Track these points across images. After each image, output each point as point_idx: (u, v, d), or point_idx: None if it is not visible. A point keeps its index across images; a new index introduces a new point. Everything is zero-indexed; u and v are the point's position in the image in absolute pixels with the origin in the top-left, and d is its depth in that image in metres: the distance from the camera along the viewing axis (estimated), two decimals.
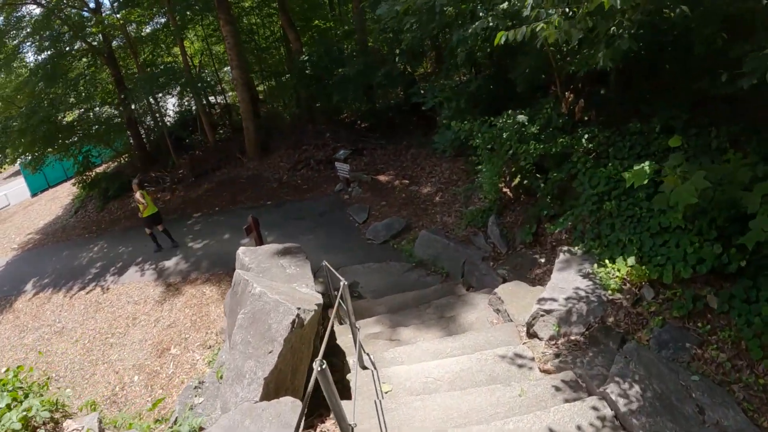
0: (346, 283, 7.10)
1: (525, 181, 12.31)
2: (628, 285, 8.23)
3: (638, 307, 7.82)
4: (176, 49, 28.21)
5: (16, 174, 39.65)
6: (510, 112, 11.90)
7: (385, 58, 20.54)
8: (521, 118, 11.77)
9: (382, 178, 17.62)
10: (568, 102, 12.24)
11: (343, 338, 8.96)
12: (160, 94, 27.37)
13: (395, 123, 21.97)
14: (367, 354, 8.21)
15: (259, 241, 12.87)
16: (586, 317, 7.91)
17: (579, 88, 12.98)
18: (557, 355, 7.62)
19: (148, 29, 27.76)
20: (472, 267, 12.02)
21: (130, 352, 12.82)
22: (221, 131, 28.64)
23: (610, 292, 8.15)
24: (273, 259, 10.58)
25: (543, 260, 11.33)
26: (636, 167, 7.98)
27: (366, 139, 20.55)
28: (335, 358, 8.75)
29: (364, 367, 7.83)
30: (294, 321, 6.19)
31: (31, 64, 26.03)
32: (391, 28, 16.50)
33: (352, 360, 7.69)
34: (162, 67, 25.42)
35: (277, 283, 8.26)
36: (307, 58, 21.28)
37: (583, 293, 8.35)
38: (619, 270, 8.37)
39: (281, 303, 6.40)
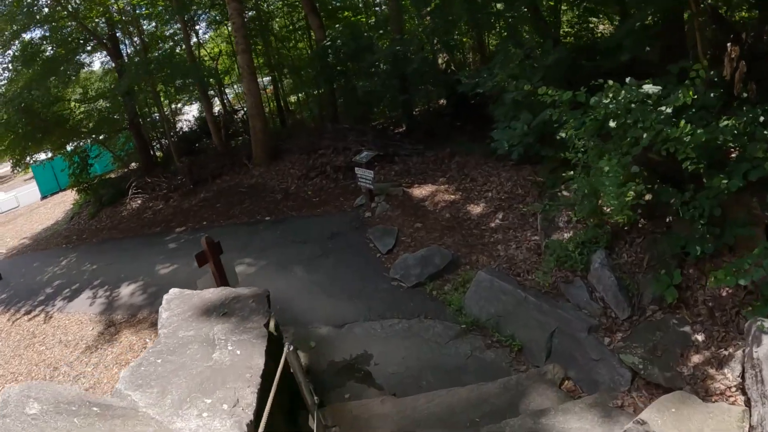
0: None
1: (647, 196, 6.73)
2: None
3: None
4: (200, 51, 23.38)
5: None
6: (629, 80, 6.75)
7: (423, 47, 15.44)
8: (650, 89, 6.61)
9: (417, 191, 12.15)
10: (732, 62, 6.79)
11: None
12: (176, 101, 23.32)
13: (435, 129, 16.72)
14: None
15: (220, 279, 7.49)
16: None
17: (740, 40, 7.52)
18: None
19: (170, 30, 22.86)
20: (569, 342, 6.48)
21: None
22: (240, 138, 23.51)
23: None
24: (206, 320, 5.32)
25: (700, 337, 6.08)
26: None
27: (399, 144, 15.10)
28: None
29: None
30: None
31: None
32: None
33: None
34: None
35: None
36: (329, 43, 15.96)
37: None
38: None
39: None
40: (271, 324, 6.82)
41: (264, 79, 27.75)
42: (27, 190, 33.02)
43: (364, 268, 9.45)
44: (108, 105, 21.12)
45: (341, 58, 16.03)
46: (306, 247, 10.81)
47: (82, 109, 21.20)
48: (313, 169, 14.53)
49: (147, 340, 9.13)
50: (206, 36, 26.91)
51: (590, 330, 6.43)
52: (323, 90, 18.05)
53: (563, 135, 7.60)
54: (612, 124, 6.78)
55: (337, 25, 19.39)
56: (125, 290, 11.61)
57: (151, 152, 23.19)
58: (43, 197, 30.10)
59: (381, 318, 7.80)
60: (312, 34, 19.66)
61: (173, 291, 6.46)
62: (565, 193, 8.98)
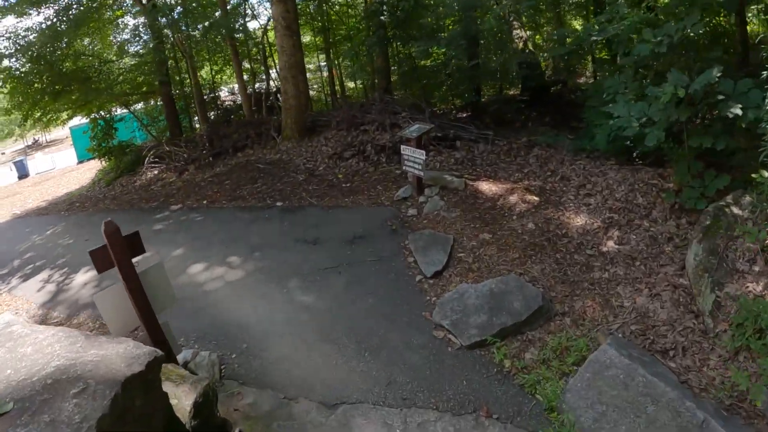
0: None
1: None
2: None
3: None
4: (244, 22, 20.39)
5: None
6: None
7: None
8: None
9: (485, 186, 8.53)
10: None
11: None
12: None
13: (506, 116, 13.29)
14: None
15: (134, 296, 4.04)
16: None
17: None
18: None
19: None
20: None
21: None
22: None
23: None
24: None
25: None
26: None
27: (463, 127, 11.41)
28: None
29: None
30: None
31: None
32: None
33: None
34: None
35: None
36: None
37: None
38: None
39: None
40: (189, 399, 3.40)
41: (321, 63, 24.62)
42: (67, 154, 31.32)
43: (392, 299, 5.80)
44: (135, 62, 18.39)
45: (398, 18, 12.46)
46: (315, 251, 7.26)
47: (108, 67, 18.47)
48: (350, 147, 10.99)
49: None
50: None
51: None
52: (375, 57, 14.42)
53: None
54: None
55: None
56: (80, 278, 8.52)
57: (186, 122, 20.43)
58: (80, 162, 28.00)
59: (406, 403, 4.17)
60: None
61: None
62: (735, 209, 5.19)
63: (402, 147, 8.47)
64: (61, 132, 39.19)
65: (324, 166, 10.90)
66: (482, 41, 12.99)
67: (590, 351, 4.34)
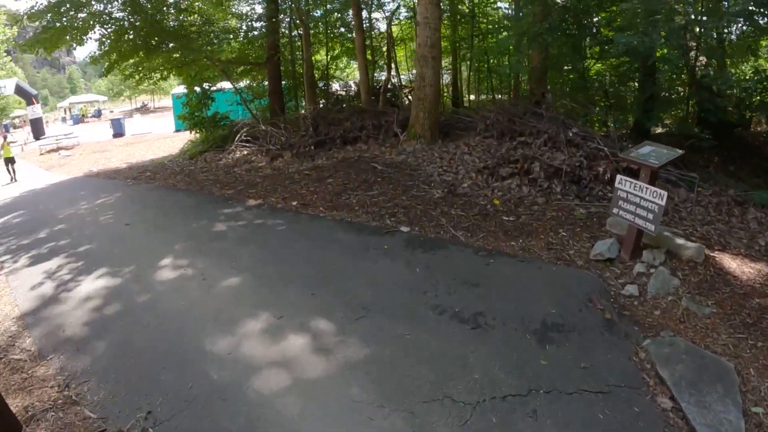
0: None
1: None
2: None
3: None
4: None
5: None
6: None
7: None
8: None
9: (732, 262, 4.98)
10: None
11: None
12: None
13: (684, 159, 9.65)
14: None
15: None
16: None
17: None
18: None
19: None
20: None
21: None
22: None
23: None
24: None
25: None
26: None
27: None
28: None
29: None
30: None
31: None
32: None
33: None
34: None
35: None
36: None
37: None
38: None
39: None
40: None
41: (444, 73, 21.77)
42: (168, 122, 31.08)
43: None
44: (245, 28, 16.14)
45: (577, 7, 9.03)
46: (478, 346, 3.81)
47: (213, 29, 16.18)
48: (506, 162, 7.57)
49: None
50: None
51: None
52: (541, 50, 10.71)
53: None
54: None
55: None
56: (87, 286, 5.78)
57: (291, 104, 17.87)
58: (177, 130, 27.00)
59: None
60: None
61: None
62: None
63: (619, 178, 5.01)
64: (170, 100, 38.92)
65: (469, 182, 7.50)
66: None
67: None
